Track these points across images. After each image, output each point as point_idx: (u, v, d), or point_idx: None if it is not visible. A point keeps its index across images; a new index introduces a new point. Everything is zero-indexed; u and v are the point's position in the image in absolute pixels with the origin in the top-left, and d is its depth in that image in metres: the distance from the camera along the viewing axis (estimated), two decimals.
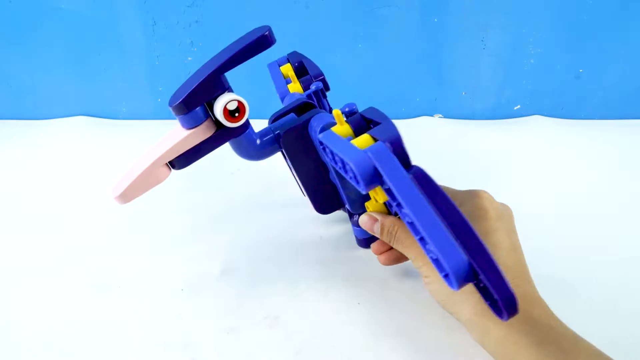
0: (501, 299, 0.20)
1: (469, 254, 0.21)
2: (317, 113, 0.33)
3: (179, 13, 0.56)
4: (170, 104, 0.29)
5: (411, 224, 0.23)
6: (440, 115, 0.64)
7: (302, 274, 0.38)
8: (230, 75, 0.30)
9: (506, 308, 0.20)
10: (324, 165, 0.34)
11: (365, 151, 0.24)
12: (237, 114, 0.30)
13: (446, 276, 0.21)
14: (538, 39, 0.56)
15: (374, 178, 0.24)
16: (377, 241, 0.35)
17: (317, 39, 0.57)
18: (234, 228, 0.43)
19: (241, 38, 0.30)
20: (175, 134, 0.31)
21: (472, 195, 0.30)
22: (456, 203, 0.29)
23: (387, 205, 0.32)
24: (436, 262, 0.22)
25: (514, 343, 0.25)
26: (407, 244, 0.30)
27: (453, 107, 0.63)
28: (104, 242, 0.42)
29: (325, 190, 0.36)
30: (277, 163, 0.52)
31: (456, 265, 0.20)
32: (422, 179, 0.23)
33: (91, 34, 0.58)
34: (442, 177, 0.47)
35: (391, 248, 0.34)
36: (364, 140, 0.26)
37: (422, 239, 0.22)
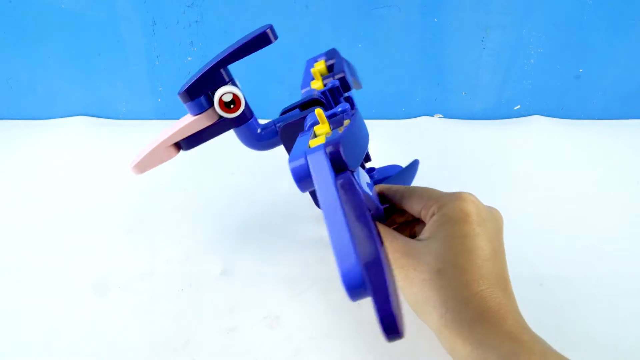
0: (380, 318, 0.19)
1: (364, 267, 0.20)
2: (315, 110, 0.33)
3: (179, 13, 0.56)
4: (178, 92, 0.33)
5: None
6: (440, 115, 0.64)
7: (302, 274, 0.38)
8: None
9: (384, 329, 0.19)
10: None
11: (303, 152, 0.24)
12: (232, 106, 0.32)
13: None
14: (538, 39, 0.56)
15: (307, 178, 0.24)
16: None
17: (317, 39, 0.57)
18: (234, 228, 0.44)
19: (247, 34, 0.32)
20: (184, 119, 0.35)
21: (455, 197, 0.29)
22: (438, 205, 0.29)
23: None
24: None
25: (482, 359, 0.24)
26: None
27: (453, 107, 0.63)
28: (104, 242, 0.42)
29: None
30: (277, 163, 0.53)
31: (346, 276, 0.20)
32: (345, 187, 0.23)
33: (91, 34, 0.58)
34: (442, 177, 0.48)
35: None
36: (316, 141, 0.26)
37: None
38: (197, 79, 0.31)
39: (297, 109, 0.35)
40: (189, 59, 0.60)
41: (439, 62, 0.59)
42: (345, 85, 0.37)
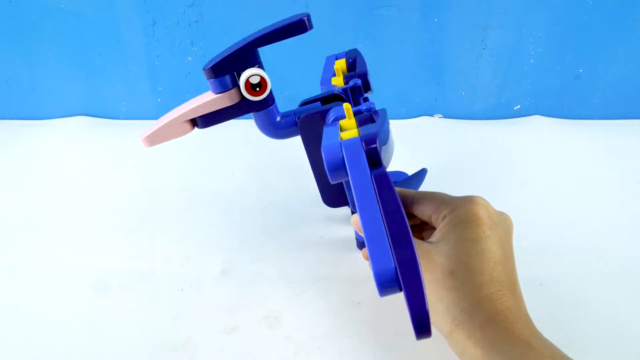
0: (413, 315, 0.20)
1: (399, 264, 0.20)
2: (339, 105, 0.33)
3: (179, 13, 0.56)
4: (203, 67, 0.32)
5: None
6: (440, 115, 0.64)
7: (302, 274, 0.38)
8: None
9: (416, 326, 0.20)
10: None
11: (339, 143, 0.24)
12: (258, 89, 0.32)
13: None
14: (538, 39, 0.56)
15: (340, 169, 0.24)
16: None
17: (317, 39, 0.57)
18: (234, 228, 0.44)
19: (281, 20, 0.32)
20: (204, 95, 0.34)
21: (467, 200, 0.29)
22: (450, 208, 0.29)
23: None
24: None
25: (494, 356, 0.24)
26: None
27: (453, 107, 0.63)
28: (104, 242, 0.42)
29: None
30: (278, 163, 0.53)
31: (380, 272, 0.20)
32: (382, 181, 0.23)
33: (91, 34, 0.58)
34: (442, 177, 0.48)
35: None
36: (349, 134, 0.26)
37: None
38: (226, 56, 0.31)
39: (318, 102, 0.35)
40: (189, 59, 0.60)
41: (439, 62, 0.59)
42: (366, 85, 0.37)
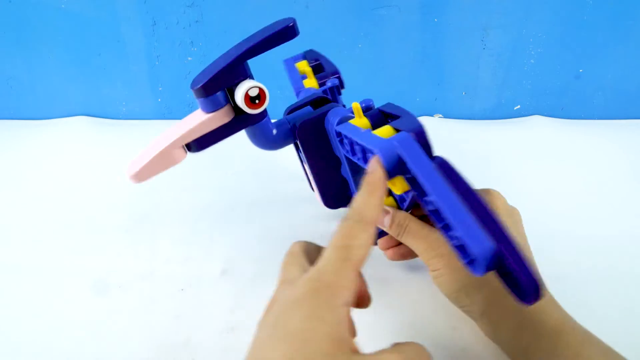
0: (526, 284, 0.21)
1: (495, 240, 0.21)
2: (334, 107, 0.33)
3: (179, 13, 0.56)
4: (191, 87, 0.29)
5: (434, 211, 0.23)
6: (440, 115, 0.64)
7: None
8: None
9: (531, 293, 0.21)
10: (336, 159, 0.35)
11: (390, 139, 0.24)
12: (257, 101, 0.30)
13: (470, 262, 0.21)
14: (538, 39, 0.56)
15: (397, 166, 0.24)
16: (385, 237, 0.35)
17: (317, 39, 0.57)
18: (234, 228, 0.44)
19: (265, 28, 0.30)
20: (194, 117, 0.31)
21: (485, 192, 0.31)
22: None
23: (397, 200, 0.32)
24: (460, 248, 0.22)
25: (527, 335, 0.26)
26: (419, 236, 0.30)
27: (453, 107, 0.63)
28: (104, 242, 0.42)
29: (335, 184, 0.36)
30: (277, 163, 0.53)
31: (484, 251, 0.20)
32: (446, 168, 0.24)
33: (91, 34, 0.58)
34: None
35: (399, 243, 0.34)
36: (386, 131, 0.26)
37: (445, 226, 0.23)
38: (216, 73, 0.28)
39: (308, 107, 0.35)
40: (189, 59, 0.60)
41: (439, 62, 0.59)
42: (341, 83, 0.37)
